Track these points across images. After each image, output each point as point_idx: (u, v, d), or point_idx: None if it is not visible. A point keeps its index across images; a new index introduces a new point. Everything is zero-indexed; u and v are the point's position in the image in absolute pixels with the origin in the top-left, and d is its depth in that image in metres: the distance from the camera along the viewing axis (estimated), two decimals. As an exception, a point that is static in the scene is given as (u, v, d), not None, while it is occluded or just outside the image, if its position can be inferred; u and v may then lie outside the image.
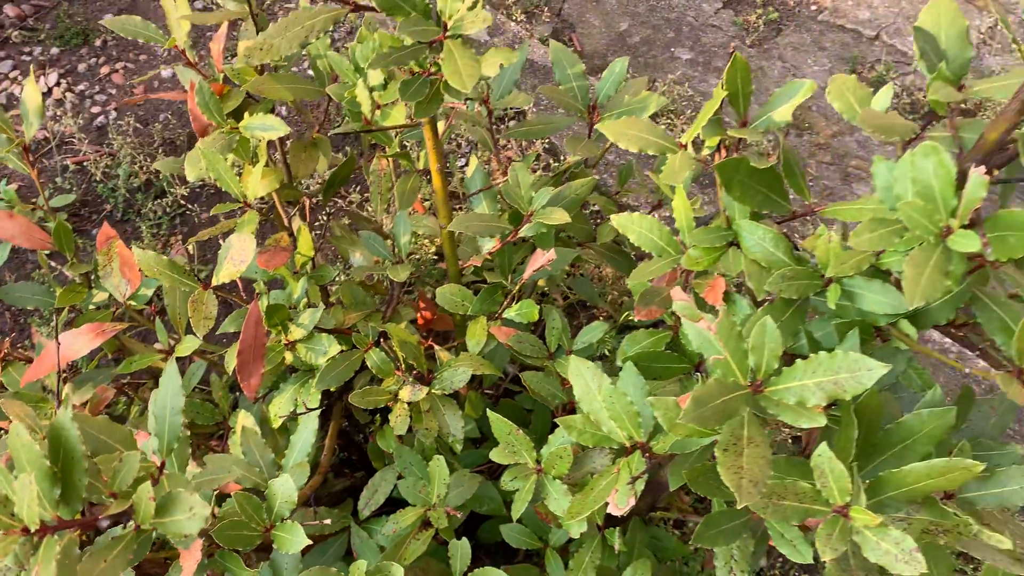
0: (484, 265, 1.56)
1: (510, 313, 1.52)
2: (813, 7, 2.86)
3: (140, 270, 1.36)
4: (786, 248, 1.07)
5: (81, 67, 2.52)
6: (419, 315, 1.66)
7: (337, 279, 2.10)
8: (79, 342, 1.42)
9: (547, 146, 2.38)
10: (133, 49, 2.56)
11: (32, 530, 0.71)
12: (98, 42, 2.57)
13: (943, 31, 0.96)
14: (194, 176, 1.38)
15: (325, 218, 2.14)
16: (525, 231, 1.46)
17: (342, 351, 1.47)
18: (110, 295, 1.49)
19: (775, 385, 0.94)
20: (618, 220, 1.25)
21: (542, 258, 1.49)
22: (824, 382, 0.89)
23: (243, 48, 1.15)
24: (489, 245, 1.54)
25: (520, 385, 1.74)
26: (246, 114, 1.44)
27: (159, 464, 0.86)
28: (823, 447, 0.92)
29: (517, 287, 1.53)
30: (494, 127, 1.68)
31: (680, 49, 2.73)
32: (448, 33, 1.13)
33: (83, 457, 0.73)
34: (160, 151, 2.29)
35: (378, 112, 1.33)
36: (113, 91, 2.45)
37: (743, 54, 2.71)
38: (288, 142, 1.62)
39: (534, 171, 2.42)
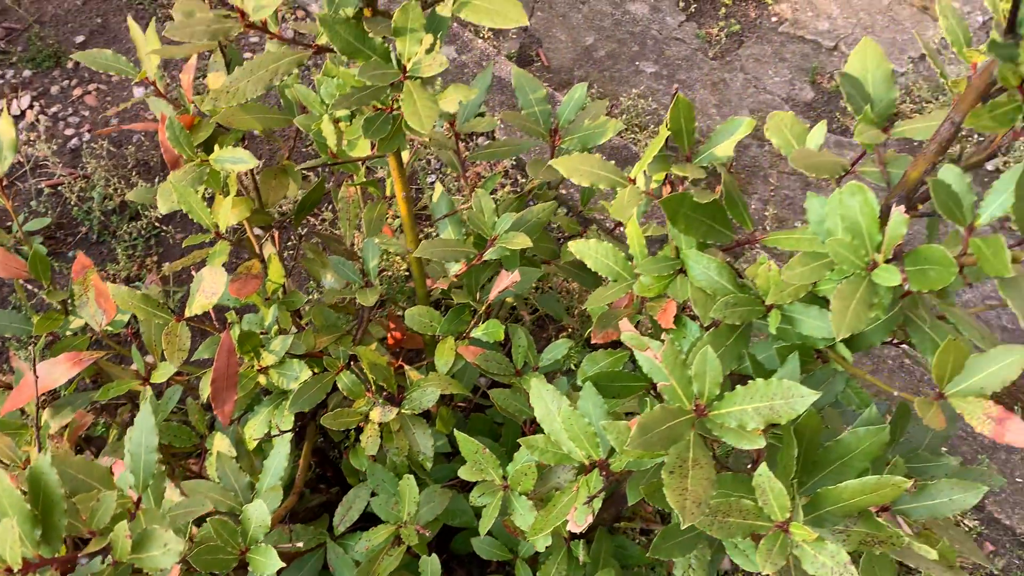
0: (452, 285, 1.61)
1: (477, 333, 1.58)
2: (774, 19, 2.93)
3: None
4: (730, 276, 1.13)
5: (54, 89, 2.55)
6: (389, 335, 1.71)
7: (310, 299, 2.15)
8: (57, 371, 1.46)
9: (515, 162, 2.44)
10: (104, 71, 2.59)
11: (15, 570, 0.76)
12: (70, 64, 2.60)
13: (870, 74, 1.02)
14: (166, 209, 1.42)
15: (297, 239, 2.18)
16: (489, 255, 1.52)
17: (315, 373, 1.52)
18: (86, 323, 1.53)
19: (717, 410, 1.00)
20: (575, 247, 1.31)
21: (506, 280, 1.54)
22: (761, 407, 0.95)
23: (211, 90, 1.19)
24: (456, 267, 1.59)
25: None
26: (216, 145, 1.48)
27: (135, 499, 0.91)
28: (763, 467, 0.98)
29: (483, 307, 1.58)
30: (464, 144, 1.74)
31: (645, 63, 2.79)
32: (407, 75, 1.18)
33: (62, 499, 0.78)
34: (134, 172, 2.33)
35: (344, 143, 1.38)
36: (86, 113, 2.48)
37: (706, 67, 2.78)
38: (258, 169, 1.67)
39: (502, 186, 2.48)
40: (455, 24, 2.71)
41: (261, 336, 1.47)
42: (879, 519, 1.02)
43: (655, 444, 0.95)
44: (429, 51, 1.16)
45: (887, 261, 0.92)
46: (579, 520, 1.15)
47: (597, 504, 1.16)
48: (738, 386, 0.98)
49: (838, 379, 1.12)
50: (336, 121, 1.38)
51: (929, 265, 0.91)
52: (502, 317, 1.87)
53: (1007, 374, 0.90)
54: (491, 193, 2.19)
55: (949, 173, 0.89)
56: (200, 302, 1.31)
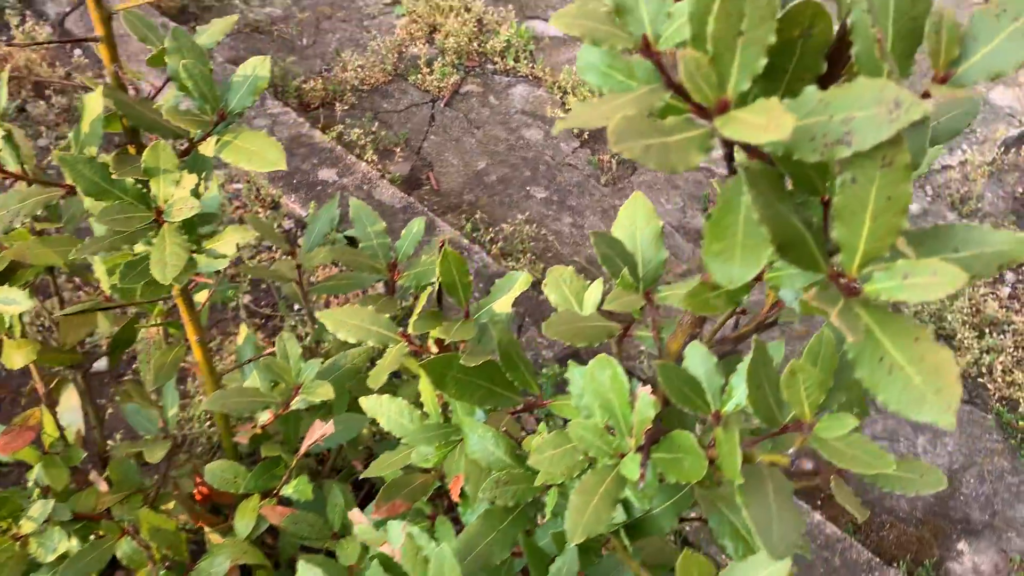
0: (261, 436, 1.46)
1: (287, 491, 1.42)
2: (669, 145, 2.90)
3: None
4: (507, 447, 1.00)
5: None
6: (197, 489, 1.55)
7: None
8: None
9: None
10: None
11: None
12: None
13: (639, 232, 0.92)
14: (-75, 354, 1.28)
15: (116, 380, 2.03)
16: (295, 404, 1.38)
17: (99, 536, 1.35)
18: None
19: (463, 619, 0.85)
20: (367, 404, 1.18)
21: (318, 431, 1.40)
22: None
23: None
24: (265, 416, 1.45)
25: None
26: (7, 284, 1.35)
27: None
28: None
29: (294, 461, 1.43)
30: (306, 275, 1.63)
31: (536, 188, 2.74)
32: (163, 217, 1.07)
33: None
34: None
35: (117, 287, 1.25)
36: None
37: (597, 193, 2.73)
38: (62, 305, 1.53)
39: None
40: (338, 148, 2.64)
41: (25, 500, 1.30)
42: None
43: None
44: (195, 191, 1.05)
45: (638, 448, 0.80)
46: None
47: None
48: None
49: (624, 568, 0.98)
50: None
51: (684, 454, 0.79)
52: (342, 475, 1.71)
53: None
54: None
55: (694, 354, 0.78)
56: (-70, 467, 1.15)
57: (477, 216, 2.60)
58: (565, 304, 1.00)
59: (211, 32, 1.16)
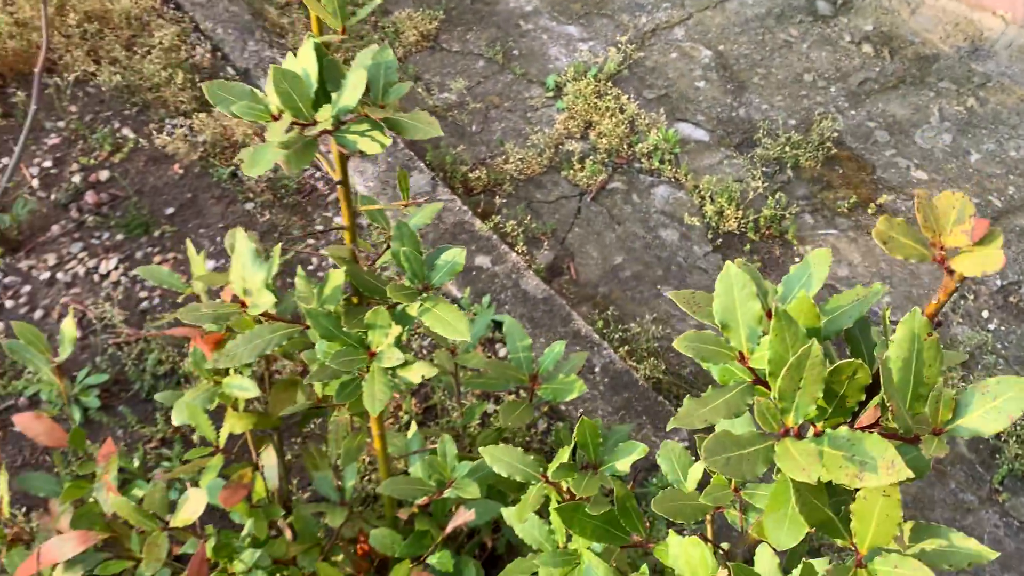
0: (416, 514, 1.80)
1: (432, 560, 1.75)
2: (796, 259, 3.11)
3: (121, 497, 1.65)
4: (615, 579, 1.29)
5: (139, 254, 2.92)
6: (359, 546, 1.91)
7: (306, 493, 2.37)
8: (67, 547, 1.70)
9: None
10: (183, 243, 2.95)
11: None
12: (157, 233, 2.98)
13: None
14: (179, 422, 1.68)
15: (302, 440, 2.43)
16: (447, 494, 1.71)
17: (285, 577, 1.72)
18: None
19: None
20: (510, 517, 1.49)
21: (462, 516, 1.72)
22: None
23: (211, 356, 1.45)
24: (422, 499, 1.79)
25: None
26: (231, 371, 1.74)
27: None
28: None
29: (441, 537, 1.77)
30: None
31: (666, 287, 3.00)
32: (374, 360, 1.42)
33: None
34: (186, 343, 2.64)
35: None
36: (161, 279, 2.82)
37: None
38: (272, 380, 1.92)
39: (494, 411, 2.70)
40: (494, 236, 2.99)
41: (236, 543, 1.68)
42: None
43: None
44: (393, 344, 1.40)
45: (713, 613, 1.08)
46: None
47: None
48: None
49: None
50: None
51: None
52: (472, 544, 2.04)
53: None
54: (481, 416, 2.40)
55: (763, 554, 1.05)
56: (182, 517, 1.54)
57: (609, 312, 2.89)
58: (672, 474, 1.29)
59: (423, 215, 1.52)
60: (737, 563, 1.02)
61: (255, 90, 1.19)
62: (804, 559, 0.98)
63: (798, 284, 0.97)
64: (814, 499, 0.83)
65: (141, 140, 3.24)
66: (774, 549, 1.08)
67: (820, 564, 1.00)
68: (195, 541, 1.65)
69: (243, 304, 1.42)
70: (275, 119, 1.16)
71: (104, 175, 3.13)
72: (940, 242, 0.78)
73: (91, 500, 1.91)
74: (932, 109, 3.68)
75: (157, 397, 1.84)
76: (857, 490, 0.82)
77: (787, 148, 3.44)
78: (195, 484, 1.96)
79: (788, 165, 3.42)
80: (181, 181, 3.15)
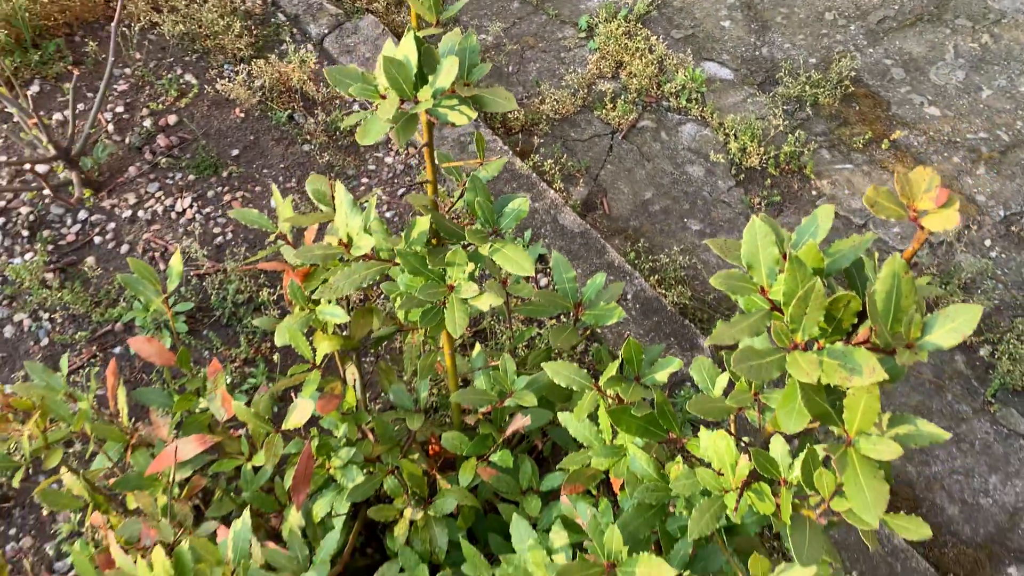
0: (481, 419, 2.12)
1: (494, 458, 2.07)
2: (814, 192, 3.35)
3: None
4: (655, 467, 1.60)
5: (210, 193, 3.20)
6: (431, 447, 2.23)
7: (380, 404, 2.69)
8: (189, 447, 2.03)
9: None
10: (250, 182, 3.23)
11: (161, 608, 1.29)
12: (225, 173, 3.25)
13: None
14: (281, 343, 1.98)
15: (376, 357, 2.73)
16: (507, 403, 2.02)
17: (370, 472, 2.05)
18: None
19: (624, 566, 1.46)
20: (565, 421, 1.80)
21: (519, 422, 2.04)
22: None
23: (317, 291, 1.74)
24: (485, 407, 2.09)
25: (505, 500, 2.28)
26: (323, 300, 2.03)
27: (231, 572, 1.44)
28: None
29: (501, 439, 2.08)
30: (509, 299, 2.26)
31: (692, 220, 3.26)
32: (453, 292, 1.70)
33: (191, 571, 1.31)
34: (262, 275, 2.94)
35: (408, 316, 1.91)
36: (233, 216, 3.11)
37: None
38: (354, 306, 2.22)
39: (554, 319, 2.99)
40: (533, 175, 3.24)
41: (333, 442, 2.00)
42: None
43: (570, 586, 1.42)
44: (468, 279, 1.68)
45: (736, 488, 1.38)
46: (528, 624, 1.62)
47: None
48: (641, 554, 1.44)
49: (720, 554, 1.56)
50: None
51: (762, 498, 1.36)
52: (523, 445, 2.36)
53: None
54: (528, 339, 2.69)
55: (777, 443, 1.34)
56: (292, 421, 1.86)
57: (640, 243, 3.15)
58: (703, 383, 1.58)
59: (491, 168, 1.78)
60: (756, 448, 1.32)
61: (366, 72, 1.45)
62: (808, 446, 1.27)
63: (807, 233, 1.24)
64: (815, 396, 1.11)
65: (205, 86, 3.49)
66: (785, 438, 1.37)
67: (819, 449, 1.29)
68: (299, 441, 1.97)
69: (347, 246, 1.70)
70: (383, 98, 1.42)
71: (172, 119, 3.39)
72: (914, 206, 1.05)
73: (197, 411, 2.24)
74: (947, 46, 3.85)
75: (256, 322, 2.14)
76: (848, 389, 1.10)
77: (807, 87, 3.63)
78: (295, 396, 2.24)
79: (808, 103, 3.63)
80: (243, 124, 3.40)
